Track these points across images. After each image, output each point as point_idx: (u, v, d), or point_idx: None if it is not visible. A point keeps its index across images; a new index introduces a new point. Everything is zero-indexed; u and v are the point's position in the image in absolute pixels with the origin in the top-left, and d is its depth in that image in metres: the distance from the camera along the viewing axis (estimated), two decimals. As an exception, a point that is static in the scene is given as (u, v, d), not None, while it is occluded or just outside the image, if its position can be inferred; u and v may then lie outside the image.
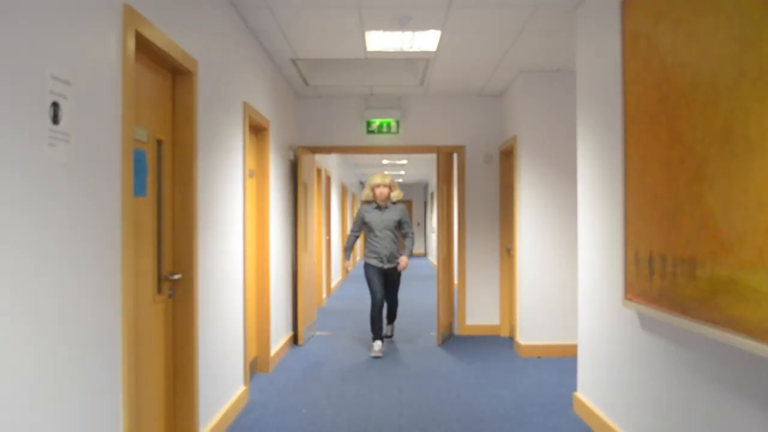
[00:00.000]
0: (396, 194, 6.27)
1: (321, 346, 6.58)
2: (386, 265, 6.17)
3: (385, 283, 6.27)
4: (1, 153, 1.70)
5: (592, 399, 4.02)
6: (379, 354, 6.06)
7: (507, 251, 6.97)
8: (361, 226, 6.30)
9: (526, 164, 6.07)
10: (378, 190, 6.19)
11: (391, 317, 6.78)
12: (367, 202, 6.34)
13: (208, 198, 3.68)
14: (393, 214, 6.23)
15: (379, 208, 6.24)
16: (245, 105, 4.56)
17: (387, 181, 6.22)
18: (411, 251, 6.32)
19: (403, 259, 6.20)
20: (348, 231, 15.26)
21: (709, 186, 2.36)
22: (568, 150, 6.01)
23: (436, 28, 4.74)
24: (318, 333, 7.29)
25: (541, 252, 6.04)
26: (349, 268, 6.55)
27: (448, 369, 5.54)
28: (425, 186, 23.46)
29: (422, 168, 16.80)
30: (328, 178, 11.00)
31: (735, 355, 2.38)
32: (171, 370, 3.29)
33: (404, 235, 6.38)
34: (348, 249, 6.38)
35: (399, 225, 6.27)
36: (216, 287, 3.83)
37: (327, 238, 10.81)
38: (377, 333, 6.14)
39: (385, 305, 8.15)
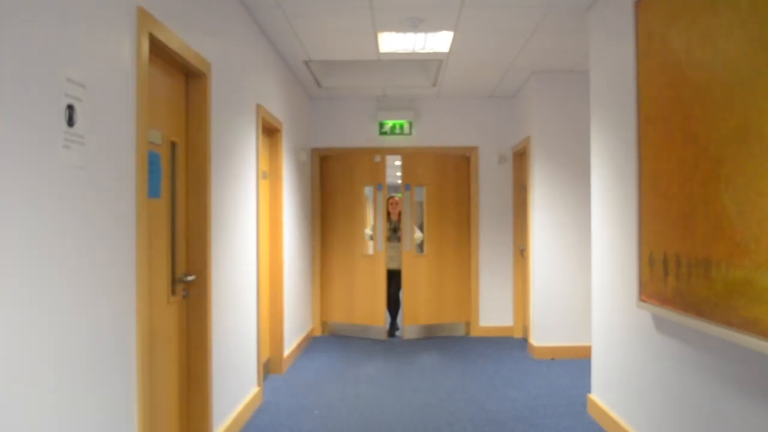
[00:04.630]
0: None
1: (333, 347, 6.60)
2: None
3: None
4: (17, 155, 1.73)
5: (606, 401, 4.00)
6: None
7: (521, 252, 6.94)
8: None
9: (539, 165, 6.05)
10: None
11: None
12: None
13: (222, 199, 3.70)
14: None
15: None
16: (258, 107, 4.58)
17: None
18: None
19: None
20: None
21: (724, 187, 2.34)
22: (582, 150, 5.96)
23: (448, 29, 4.73)
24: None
25: (555, 253, 6.01)
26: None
27: (462, 370, 5.53)
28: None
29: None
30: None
31: (751, 357, 2.35)
32: (185, 370, 3.31)
33: None
34: None
35: None
36: (229, 288, 3.85)
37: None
38: None
39: None
